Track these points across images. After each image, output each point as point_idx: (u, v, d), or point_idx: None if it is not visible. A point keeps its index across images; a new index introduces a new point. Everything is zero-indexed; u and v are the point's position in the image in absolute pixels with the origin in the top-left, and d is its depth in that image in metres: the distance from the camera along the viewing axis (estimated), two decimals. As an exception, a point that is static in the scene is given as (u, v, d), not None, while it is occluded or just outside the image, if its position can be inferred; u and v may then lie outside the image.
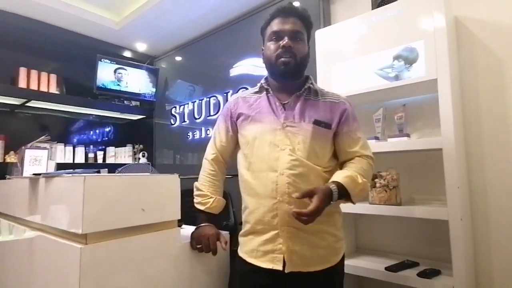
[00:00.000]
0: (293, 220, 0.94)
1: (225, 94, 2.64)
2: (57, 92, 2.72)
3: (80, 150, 2.93)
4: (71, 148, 2.87)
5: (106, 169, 1.51)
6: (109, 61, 2.92)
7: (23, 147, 1.56)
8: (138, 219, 0.95)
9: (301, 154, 1.02)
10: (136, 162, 3.08)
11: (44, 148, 1.61)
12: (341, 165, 1.12)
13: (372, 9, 1.64)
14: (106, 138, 3.32)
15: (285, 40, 1.04)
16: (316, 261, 1.01)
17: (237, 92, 2.42)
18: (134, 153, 3.19)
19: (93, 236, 0.86)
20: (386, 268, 1.40)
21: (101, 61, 2.86)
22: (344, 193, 0.97)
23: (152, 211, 0.98)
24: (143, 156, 3.12)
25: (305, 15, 1.10)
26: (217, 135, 1.20)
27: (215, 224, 1.14)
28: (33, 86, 2.58)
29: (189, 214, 1.17)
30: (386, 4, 1.54)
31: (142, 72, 3.14)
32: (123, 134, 3.34)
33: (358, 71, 1.55)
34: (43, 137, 2.08)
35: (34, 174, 1.20)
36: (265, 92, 1.13)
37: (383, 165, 1.48)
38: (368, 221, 1.74)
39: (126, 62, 3.06)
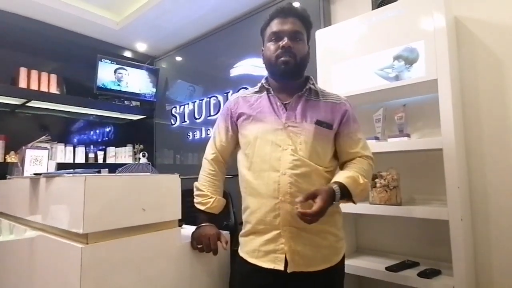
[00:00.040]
0: (295, 220, 0.94)
1: (225, 94, 2.65)
2: (57, 92, 2.73)
3: (81, 150, 2.93)
4: (71, 148, 2.87)
5: (107, 169, 1.52)
6: (110, 61, 2.93)
7: (23, 147, 1.56)
8: (138, 219, 0.95)
9: (303, 154, 1.02)
10: (136, 162, 3.08)
11: (45, 148, 1.61)
12: (341, 165, 1.13)
13: (372, 9, 1.64)
14: (107, 138, 3.33)
15: (285, 40, 1.05)
16: (318, 261, 1.01)
17: (237, 92, 2.42)
18: (135, 153, 3.19)
19: (94, 236, 0.86)
20: (387, 268, 1.40)
21: (101, 61, 2.86)
22: (345, 193, 0.98)
23: (152, 211, 0.98)
24: (144, 156, 3.12)
25: (304, 15, 1.10)
26: (217, 135, 1.20)
27: (216, 224, 1.15)
28: (34, 86, 2.58)
29: (189, 214, 1.17)
30: (386, 4, 1.54)
31: (143, 72, 3.14)
32: (124, 134, 3.34)
33: (359, 71, 1.55)
34: (43, 137, 2.08)
35: (34, 174, 1.20)
36: (265, 92, 1.13)
37: (384, 165, 1.48)
38: (368, 221, 1.75)
39: (126, 62, 3.06)
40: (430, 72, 1.33)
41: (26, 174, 1.47)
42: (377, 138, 1.55)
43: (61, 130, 3.01)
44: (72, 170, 1.19)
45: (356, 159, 1.09)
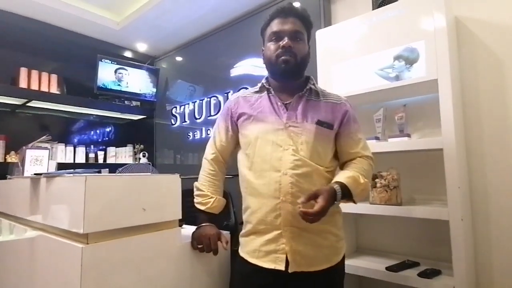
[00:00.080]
0: (296, 220, 0.94)
1: (225, 94, 2.65)
2: (57, 92, 2.73)
3: (81, 150, 2.93)
4: (71, 148, 2.88)
5: (107, 169, 1.52)
6: (110, 61, 2.93)
7: (24, 147, 1.56)
8: (139, 219, 0.95)
9: (304, 154, 1.02)
10: (136, 162, 3.08)
11: (45, 148, 1.61)
12: (341, 166, 1.13)
13: (373, 9, 1.64)
14: (107, 138, 3.33)
15: (285, 40, 1.05)
16: (319, 261, 1.01)
17: (237, 92, 2.42)
18: (135, 153, 3.19)
19: (94, 236, 0.86)
20: (387, 268, 1.40)
21: (101, 61, 2.87)
22: (346, 193, 0.98)
23: (153, 211, 0.98)
24: (144, 156, 3.12)
25: (304, 15, 1.10)
26: (217, 135, 1.20)
27: (216, 224, 1.15)
28: (34, 86, 2.58)
29: (189, 214, 1.17)
30: (387, 4, 1.54)
31: (143, 72, 3.14)
32: (124, 134, 3.34)
33: (359, 71, 1.55)
34: (44, 137, 2.08)
35: (35, 174, 1.20)
36: (266, 91, 1.13)
37: (384, 165, 1.48)
38: (368, 221, 1.75)
39: (126, 62, 3.07)
40: (430, 72, 1.33)
41: (26, 174, 1.47)
42: (377, 138, 1.55)
43: (61, 130, 3.01)
44: (72, 170, 1.19)
45: (357, 159, 1.09)
